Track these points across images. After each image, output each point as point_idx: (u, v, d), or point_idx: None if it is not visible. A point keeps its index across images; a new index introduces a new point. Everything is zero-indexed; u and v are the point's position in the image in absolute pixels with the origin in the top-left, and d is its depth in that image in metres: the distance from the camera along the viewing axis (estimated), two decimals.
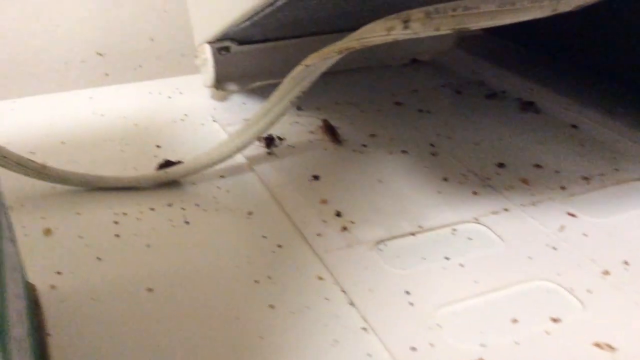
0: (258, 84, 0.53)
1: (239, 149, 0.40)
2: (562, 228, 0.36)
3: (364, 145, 0.45)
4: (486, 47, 0.64)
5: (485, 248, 0.35)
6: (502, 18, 0.28)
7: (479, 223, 0.37)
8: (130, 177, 0.40)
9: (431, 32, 0.29)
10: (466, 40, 0.62)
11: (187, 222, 0.37)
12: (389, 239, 0.35)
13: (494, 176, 0.41)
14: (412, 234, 0.36)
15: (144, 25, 0.63)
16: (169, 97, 0.54)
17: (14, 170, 0.36)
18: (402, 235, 0.35)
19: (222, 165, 0.41)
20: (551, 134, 0.47)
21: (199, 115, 0.51)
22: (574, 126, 0.48)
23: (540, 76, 0.57)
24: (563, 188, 0.40)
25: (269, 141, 0.45)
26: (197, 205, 0.39)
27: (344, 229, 0.36)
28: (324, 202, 0.38)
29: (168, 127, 0.49)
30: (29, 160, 0.37)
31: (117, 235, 0.35)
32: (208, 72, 0.50)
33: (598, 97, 0.52)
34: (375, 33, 0.31)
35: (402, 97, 0.53)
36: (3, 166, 0.36)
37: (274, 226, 0.36)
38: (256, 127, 0.39)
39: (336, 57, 0.35)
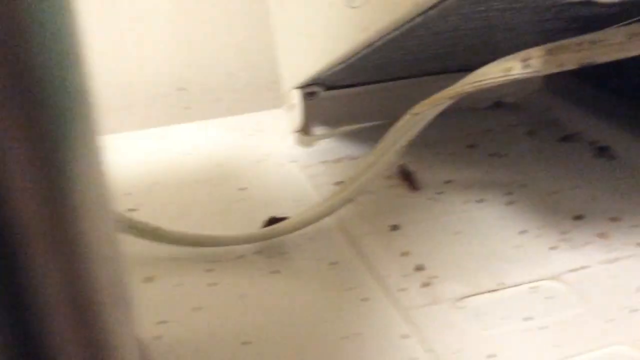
0: (344, 129, 0.55)
1: (345, 202, 0.41)
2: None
3: (439, 193, 0.47)
4: (574, 90, 0.63)
5: (564, 309, 0.36)
6: (631, 49, 0.27)
7: (558, 281, 0.38)
8: (241, 235, 0.41)
9: (554, 69, 0.28)
10: (553, 82, 0.61)
11: (277, 271, 0.39)
12: (470, 296, 0.36)
13: (571, 230, 0.42)
14: (493, 290, 0.37)
15: (224, 60, 0.66)
16: (250, 135, 0.57)
17: (133, 234, 0.38)
18: (483, 292, 0.37)
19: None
20: (627, 183, 0.47)
21: (280, 156, 0.53)
22: None
23: (621, 120, 0.57)
24: None
25: None
26: (282, 253, 0.41)
27: (426, 284, 0.37)
28: (405, 254, 0.40)
29: (251, 168, 0.51)
30: (144, 223, 0.39)
31: (213, 284, 0.38)
32: (296, 117, 0.51)
33: None
34: (492, 75, 0.31)
35: (474, 139, 0.54)
36: (131, 234, 0.38)
37: (357, 279, 0.38)
38: (364, 178, 0.40)
39: (447, 103, 0.35)
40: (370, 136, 0.50)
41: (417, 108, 0.36)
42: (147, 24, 0.63)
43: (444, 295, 0.36)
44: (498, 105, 0.59)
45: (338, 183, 0.48)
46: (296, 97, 0.50)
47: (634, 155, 0.51)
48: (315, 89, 0.51)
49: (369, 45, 0.38)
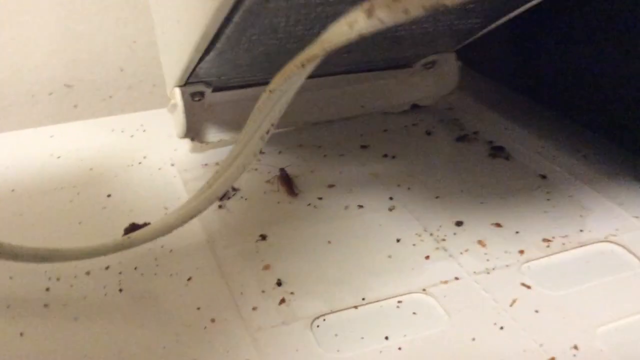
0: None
1: (212, 201, 0.36)
2: (513, 302, 0.34)
3: (320, 198, 0.43)
4: (491, 93, 0.60)
5: (429, 326, 0.33)
6: None
7: (427, 294, 0.35)
8: (89, 248, 0.36)
9: (400, 18, 0.25)
10: (470, 84, 0.58)
11: (120, 290, 0.35)
12: (328, 314, 0.33)
13: (450, 237, 0.39)
14: (355, 307, 0.34)
15: (113, 56, 0.62)
16: (132, 136, 0.53)
17: None
18: (343, 309, 0.34)
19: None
20: (517, 186, 0.45)
21: (158, 158, 0.49)
22: (543, 176, 0.46)
23: (520, 118, 0.55)
24: (521, 252, 0.38)
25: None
26: (135, 268, 0.37)
27: (282, 301, 0.34)
28: (267, 267, 0.37)
29: (124, 172, 0.47)
30: None
31: (46, 306, 0.34)
32: (179, 120, 0.46)
33: (573, 141, 0.50)
34: (337, 33, 0.27)
35: (369, 139, 0.52)
36: None
37: (211, 295, 0.35)
38: (228, 173, 0.36)
39: (303, 75, 0.31)
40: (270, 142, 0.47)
41: (271, 84, 0.32)
42: (29, 15, 0.59)
43: (300, 313, 0.33)
44: (415, 107, 0.56)
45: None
46: (177, 96, 0.46)
47: (529, 154, 0.49)
48: (201, 88, 0.47)
49: (227, 20, 0.34)
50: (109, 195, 0.44)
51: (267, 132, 0.34)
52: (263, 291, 0.35)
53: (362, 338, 0.32)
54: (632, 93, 0.45)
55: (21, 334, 0.32)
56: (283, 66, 0.30)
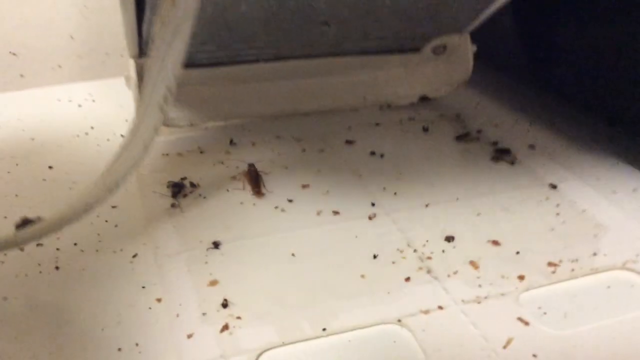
0: (212, 124, 0.45)
1: (107, 193, 0.31)
2: (507, 343, 0.28)
3: (290, 201, 0.37)
4: (499, 86, 0.53)
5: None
6: None
7: (402, 325, 0.29)
8: None
9: None
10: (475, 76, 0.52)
11: (57, 268, 0.30)
12: (279, 347, 0.27)
13: (437, 254, 0.33)
14: (312, 338, 0.28)
15: (63, 22, 0.55)
16: (79, 106, 0.47)
17: None
18: (298, 341, 0.28)
19: (118, 193, 0.33)
20: (522, 196, 0.38)
21: (107, 129, 0.44)
22: (553, 186, 0.39)
23: (530, 115, 0.48)
24: (521, 278, 0.32)
25: (178, 189, 0.38)
26: (75, 244, 0.32)
27: (225, 327, 0.28)
28: (213, 283, 0.31)
29: (68, 143, 0.42)
30: None
31: None
32: (134, 98, 0.41)
33: (591, 145, 0.43)
34: None
35: (357, 134, 0.45)
36: None
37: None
38: (128, 155, 0.30)
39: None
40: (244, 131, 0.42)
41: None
42: None
43: (244, 344, 0.27)
44: (424, 99, 0.50)
45: (168, 183, 0.38)
46: (131, 68, 0.40)
47: (538, 159, 0.42)
48: None
49: None
50: (50, 167, 0.39)
51: (166, 99, 0.28)
52: (204, 314, 0.29)
53: None
54: None
55: None
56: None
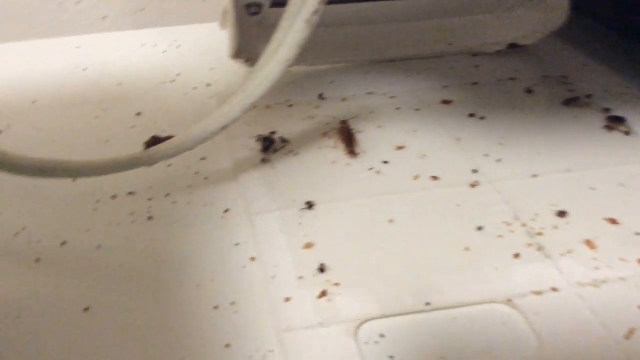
0: (312, 67, 0.43)
1: (246, 108, 0.31)
2: (630, 333, 0.25)
3: (386, 162, 0.35)
4: (611, 47, 0.49)
5: (510, 350, 0.25)
6: None
7: (512, 307, 0.26)
8: (99, 162, 0.31)
9: None
10: (584, 34, 0.47)
11: (149, 218, 0.30)
12: (379, 318, 0.26)
13: (548, 231, 0.30)
14: (414, 312, 0.26)
15: None
16: (164, 52, 0.46)
17: None
18: (400, 314, 0.26)
19: (205, 146, 0.32)
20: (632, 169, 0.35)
21: (193, 77, 0.43)
22: None
23: None
24: None
25: (268, 143, 0.36)
26: (167, 195, 0.31)
27: (323, 294, 0.27)
28: (308, 246, 0.29)
29: (155, 90, 0.41)
30: None
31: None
32: (230, 33, 0.40)
33: None
34: None
35: (454, 93, 0.42)
36: None
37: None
38: (267, 71, 0.29)
39: None
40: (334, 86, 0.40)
41: None
42: None
43: (343, 314, 0.26)
44: (513, 47, 0.46)
45: (258, 137, 0.37)
46: (230, 2, 0.39)
47: None
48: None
49: None
50: (138, 114, 0.39)
51: (315, 13, 0.26)
52: (300, 277, 0.27)
53: (420, 356, 0.24)
54: None
55: (37, 260, 0.27)
56: None
